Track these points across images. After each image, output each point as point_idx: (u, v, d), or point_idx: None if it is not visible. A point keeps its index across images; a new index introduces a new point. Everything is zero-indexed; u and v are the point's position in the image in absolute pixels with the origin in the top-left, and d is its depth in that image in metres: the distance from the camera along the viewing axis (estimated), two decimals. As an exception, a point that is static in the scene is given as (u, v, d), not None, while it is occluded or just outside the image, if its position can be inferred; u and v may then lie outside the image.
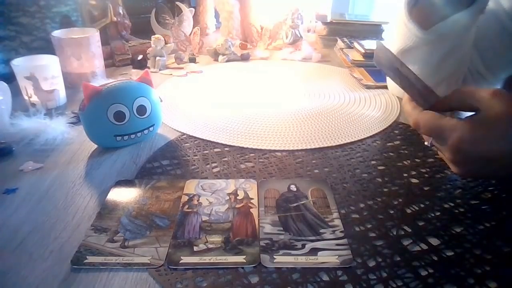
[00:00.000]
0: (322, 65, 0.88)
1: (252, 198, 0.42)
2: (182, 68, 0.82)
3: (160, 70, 0.81)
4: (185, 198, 0.42)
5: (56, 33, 0.70)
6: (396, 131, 0.56)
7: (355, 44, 0.89)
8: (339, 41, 0.95)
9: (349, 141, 0.53)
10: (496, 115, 0.36)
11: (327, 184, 0.44)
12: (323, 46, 1.01)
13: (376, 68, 0.54)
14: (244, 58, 0.89)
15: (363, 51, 0.85)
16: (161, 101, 0.53)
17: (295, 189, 0.43)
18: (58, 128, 0.53)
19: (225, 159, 0.49)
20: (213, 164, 0.48)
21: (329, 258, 0.34)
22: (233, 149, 0.51)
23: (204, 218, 0.39)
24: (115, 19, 0.85)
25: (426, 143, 0.43)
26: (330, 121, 0.60)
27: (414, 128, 0.42)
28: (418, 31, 0.54)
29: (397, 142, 0.53)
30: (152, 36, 0.81)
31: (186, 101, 0.67)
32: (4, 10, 0.71)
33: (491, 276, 0.32)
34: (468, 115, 0.39)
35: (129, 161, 0.49)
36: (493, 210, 0.40)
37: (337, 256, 0.34)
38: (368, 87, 0.74)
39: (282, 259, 0.34)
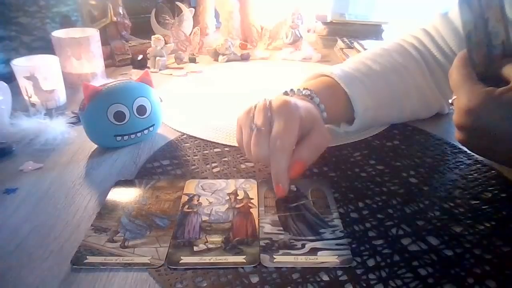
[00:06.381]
0: (322, 65, 0.88)
1: (252, 198, 0.42)
2: (182, 68, 0.82)
3: (160, 70, 0.81)
4: (185, 198, 0.42)
5: (56, 33, 0.70)
6: (396, 131, 0.56)
7: (355, 44, 0.89)
8: (339, 41, 0.95)
9: (348, 141, 0.53)
10: None
11: (327, 184, 0.44)
12: (323, 46, 1.01)
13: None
14: (244, 58, 0.89)
15: (363, 51, 0.84)
16: (161, 101, 0.53)
17: (295, 189, 0.43)
18: (58, 128, 0.53)
19: (225, 159, 0.49)
20: (213, 164, 0.48)
21: (329, 258, 0.34)
22: (233, 149, 0.51)
23: (204, 218, 0.39)
24: (115, 19, 0.85)
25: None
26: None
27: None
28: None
29: (396, 142, 0.53)
30: (152, 36, 0.81)
31: (186, 101, 0.67)
32: (4, 10, 0.71)
33: (491, 276, 0.32)
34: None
35: (129, 161, 0.49)
36: (493, 210, 0.40)
37: (337, 256, 0.34)
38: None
39: (282, 259, 0.34)
